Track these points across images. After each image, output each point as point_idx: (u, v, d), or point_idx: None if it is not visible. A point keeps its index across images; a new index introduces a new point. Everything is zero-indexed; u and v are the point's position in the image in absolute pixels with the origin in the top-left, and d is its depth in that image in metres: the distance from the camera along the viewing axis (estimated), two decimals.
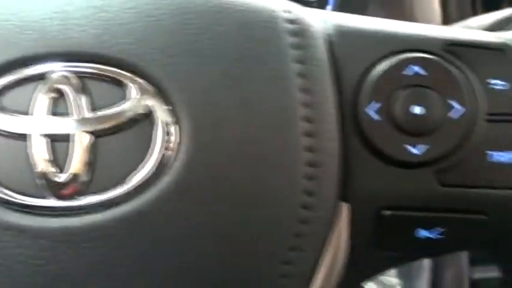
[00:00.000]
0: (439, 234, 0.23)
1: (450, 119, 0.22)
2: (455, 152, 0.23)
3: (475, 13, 0.64)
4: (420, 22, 0.34)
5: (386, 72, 0.23)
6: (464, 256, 0.47)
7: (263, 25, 0.22)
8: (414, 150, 0.22)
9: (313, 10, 0.24)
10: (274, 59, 0.22)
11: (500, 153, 0.23)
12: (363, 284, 0.38)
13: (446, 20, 0.66)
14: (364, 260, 0.24)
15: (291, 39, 0.22)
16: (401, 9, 0.70)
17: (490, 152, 0.23)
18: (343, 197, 0.23)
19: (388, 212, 0.23)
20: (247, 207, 0.21)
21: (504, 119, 0.23)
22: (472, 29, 0.32)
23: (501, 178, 0.23)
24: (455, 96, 0.23)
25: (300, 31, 0.22)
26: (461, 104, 0.22)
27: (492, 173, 0.23)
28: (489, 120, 0.23)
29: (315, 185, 0.22)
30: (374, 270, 0.26)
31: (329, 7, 0.77)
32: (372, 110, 0.23)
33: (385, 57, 0.23)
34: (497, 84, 0.23)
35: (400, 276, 0.43)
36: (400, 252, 0.24)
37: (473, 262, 0.47)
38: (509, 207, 0.23)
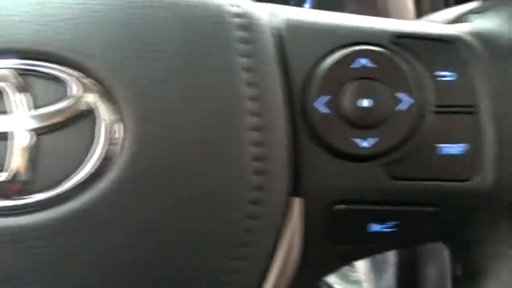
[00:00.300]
0: (392, 228, 0.23)
1: (398, 111, 0.22)
2: (404, 145, 0.22)
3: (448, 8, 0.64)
4: (394, 18, 0.34)
5: (335, 66, 0.23)
6: (446, 252, 0.47)
7: (210, 19, 0.22)
8: (363, 143, 0.22)
9: (263, 4, 0.24)
10: (220, 53, 0.22)
11: (449, 145, 0.22)
12: (326, 279, 0.38)
13: (420, 16, 0.66)
14: (318, 255, 0.24)
15: (238, 33, 0.22)
16: (375, 6, 0.70)
17: (439, 145, 0.22)
18: (295, 191, 0.23)
19: (340, 207, 0.23)
20: (195, 203, 0.21)
21: (452, 110, 0.23)
22: (436, 22, 0.32)
23: (450, 170, 0.23)
24: (403, 88, 0.22)
25: (248, 25, 0.22)
26: (409, 96, 0.22)
27: (441, 166, 0.23)
28: (437, 112, 0.23)
29: (264, 180, 0.22)
30: (329, 266, 0.26)
31: (307, 5, 0.77)
32: (320, 104, 0.22)
33: (334, 50, 0.23)
34: (445, 76, 0.23)
35: (371, 271, 0.43)
36: (355, 247, 0.24)
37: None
38: (459, 199, 0.23)
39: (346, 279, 0.37)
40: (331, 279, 0.37)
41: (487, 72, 0.23)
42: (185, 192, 0.21)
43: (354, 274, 0.39)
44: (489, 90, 0.23)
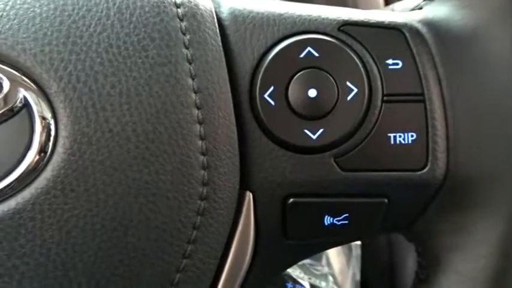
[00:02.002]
0: (345, 220, 0.23)
1: (345, 101, 0.22)
2: (353, 135, 0.22)
3: None
4: (363, 9, 0.34)
5: (280, 56, 0.22)
6: None
7: (149, 9, 0.21)
8: (312, 135, 0.22)
9: None
10: (160, 44, 0.21)
11: (399, 135, 0.22)
12: (291, 274, 0.37)
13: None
14: (272, 250, 0.24)
15: (178, 24, 0.21)
16: None
17: (389, 134, 0.22)
18: (246, 185, 0.22)
19: (291, 200, 0.22)
20: (137, 201, 0.20)
21: (400, 99, 0.22)
22: (396, 11, 0.32)
23: (401, 160, 0.22)
24: (350, 78, 0.22)
25: (189, 15, 0.22)
26: (356, 85, 0.22)
27: (392, 156, 0.22)
28: (386, 101, 0.22)
29: (210, 174, 0.21)
30: (284, 262, 0.25)
31: None
32: (267, 95, 0.22)
33: (280, 40, 0.22)
34: (393, 64, 0.22)
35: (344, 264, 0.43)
36: (308, 241, 0.24)
37: None
38: (410, 189, 0.22)
39: (311, 273, 0.37)
40: (296, 273, 0.36)
41: (434, 59, 0.22)
42: (124, 190, 0.20)
43: (319, 268, 0.38)
44: (436, 78, 0.22)
